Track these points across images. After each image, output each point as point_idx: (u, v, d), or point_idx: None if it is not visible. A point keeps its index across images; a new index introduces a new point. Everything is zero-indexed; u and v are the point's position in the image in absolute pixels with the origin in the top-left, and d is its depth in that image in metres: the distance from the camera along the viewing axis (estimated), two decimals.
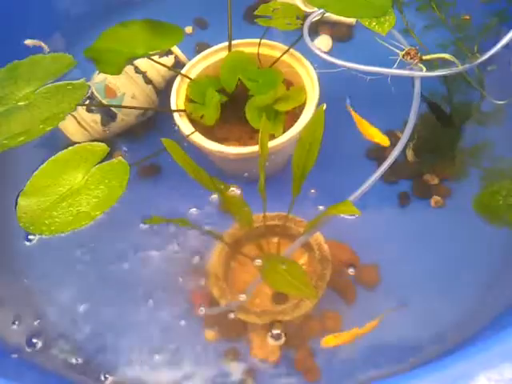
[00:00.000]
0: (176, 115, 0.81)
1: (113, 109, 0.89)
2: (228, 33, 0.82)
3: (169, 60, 0.91)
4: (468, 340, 0.59)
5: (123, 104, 0.88)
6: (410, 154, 0.86)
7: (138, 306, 0.77)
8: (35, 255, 0.81)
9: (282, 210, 0.76)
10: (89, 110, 0.88)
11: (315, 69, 0.83)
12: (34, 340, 0.74)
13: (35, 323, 0.76)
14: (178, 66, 0.90)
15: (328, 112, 0.68)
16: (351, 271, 0.78)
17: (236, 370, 0.72)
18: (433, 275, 0.77)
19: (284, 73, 0.83)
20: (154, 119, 0.93)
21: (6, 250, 0.83)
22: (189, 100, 0.83)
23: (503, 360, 0.48)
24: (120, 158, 0.69)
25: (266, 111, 0.77)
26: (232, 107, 0.81)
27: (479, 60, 0.76)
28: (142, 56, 0.78)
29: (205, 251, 0.79)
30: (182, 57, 0.92)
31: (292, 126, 0.79)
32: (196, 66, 0.86)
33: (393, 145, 0.75)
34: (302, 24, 0.81)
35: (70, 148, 0.71)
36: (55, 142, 0.87)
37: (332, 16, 0.97)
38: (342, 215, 0.77)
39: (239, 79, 0.81)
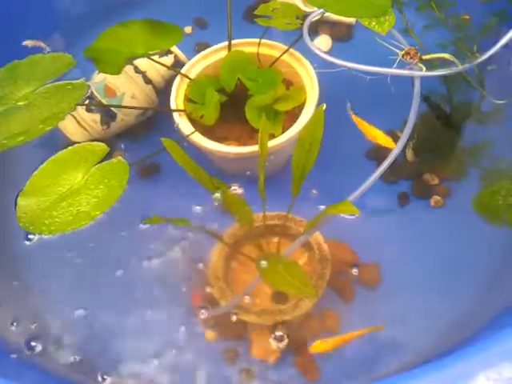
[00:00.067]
0: (176, 115, 0.81)
1: (112, 108, 0.89)
2: (228, 32, 0.82)
3: (168, 60, 0.91)
4: (467, 340, 0.59)
5: (123, 104, 0.88)
6: (409, 154, 0.86)
7: (137, 305, 0.77)
8: (35, 255, 0.81)
9: (282, 210, 0.77)
10: (88, 110, 0.88)
11: (315, 68, 0.83)
12: (33, 343, 0.74)
13: (34, 325, 0.76)
14: (177, 65, 0.90)
15: (328, 112, 0.68)
16: (355, 271, 0.78)
17: (236, 369, 0.72)
18: (432, 275, 0.77)
19: (284, 72, 0.83)
20: (154, 119, 0.93)
21: (5, 250, 0.83)
22: (188, 100, 0.83)
23: (502, 359, 0.48)
24: (120, 157, 0.69)
25: (266, 111, 0.77)
26: (232, 107, 0.81)
27: (479, 60, 0.76)
28: (142, 56, 0.78)
29: (204, 251, 0.79)
30: (182, 56, 0.92)
31: (292, 125, 0.79)
32: (196, 66, 0.86)
33: None
34: (302, 24, 0.81)
35: (70, 148, 0.71)
36: (55, 141, 0.87)
37: (332, 16, 0.97)
38: (341, 215, 0.77)
39: (239, 79, 0.81)
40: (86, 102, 0.88)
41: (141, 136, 0.92)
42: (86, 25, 0.95)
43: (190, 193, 0.82)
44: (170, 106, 0.82)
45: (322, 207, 0.79)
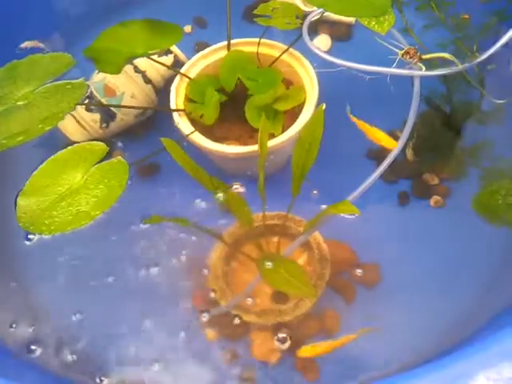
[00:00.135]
0: (175, 114, 0.81)
1: (112, 108, 0.89)
2: (227, 32, 0.82)
3: (168, 59, 0.91)
4: (467, 340, 0.59)
5: (122, 103, 0.88)
6: (409, 154, 0.86)
7: (137, 305, 0.77)
8: (35, 255, 0.81)
9: (282, 210, 0.77)
10: (88, 110, 0.88)
11: (314, 68, 0.83)
12: (33, 347, 0.73)
13: (33, 327, 0.76)
14: (177, 65, 0.90)
15: (327, 111, 0.68)
16: (359, 272, 0.77)
17: (236, 369, 0.72)
18: (432, 275, 0.77)
19: (283, 72, 0.83)
20: (154, 118, 0.93)
21: (5, 250, 0.83)
22: (188, 99, 0.83)
23: (502, 359, 0.48)
24: (119, 157, 0.69)
25: (266, 110, 0.77)
26: (231, 106, 0.81)
27: (479, 59, 0.76)
28: (142, 55, 0.77)
29: (204, 250, 0.79)
30: (182, 56, 0.92)
31: (291, 125, 0.79)
32: (195, 66, 0.86)
33: None
34: (302, 23, 0.81)
35: (70, 147, 0.71)
36: (54, 141, 0.87)
37: (331, 15, 0.97)
38: (341, 214, 0.77)
39: (238, 78, 0.81)
40: (86, 101, 0.88)
41: (140, 136, 0.92)
42: (85, 24, 0.95)
43: (190, 192, 0.82)
44: (169, 105, 0.82)
45: (322, 207, 0.79)
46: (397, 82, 0.77)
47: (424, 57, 0.77)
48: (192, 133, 0.79)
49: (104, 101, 0.88)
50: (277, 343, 0.72)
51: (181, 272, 0.79)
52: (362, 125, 0.80)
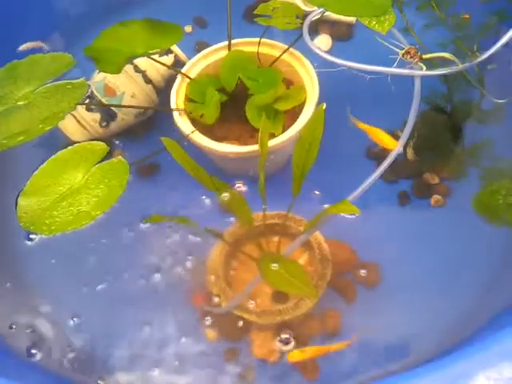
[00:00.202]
0: (176, 114, 0.81)
1: (112, 108, 0.89)
2: (228, 32, 0.82)
3: (168, 59, 0.91)
4: (467, 339, 0.59)
5: (123, 103, 0.88)
6: (410, 153, 0.86)
7: (138, 305, 0.77)
8: (36, 255, 0.81)
9: (283, 209, 0.76)
10: (88, 109, 0.88)
11: (315, 68, 0.83)
12: (34, 351, 0.73)
13: (34, 327, 0.76)
14: (177, 65, 0.90)
15: (328, 111, 0.68)
16: (363, 272, 0.77)
17: (236, 369, 0.72)
18: (432, 274, 0.77)
19: (284, 72, 0.83)
20: (154, 118, 0.93)
21: (6, 250, 0.83)
22: (189, 99, 0.83)
23: (502, 359, 0.48)
24: (120, 157, 0.69)
25: (266, 110, 0.77)
26: (232, 106, 0.81)
27: (479, 59, 0.76)
28: (142, 55, 0.77)
29: (205, 250, 0.79)
30: (182, 56, 0.92)
31: (292, 125, 0.79)
32: (196, 65, 0.86)
33: None
34: (302, 23, 0.81)
35: (70, 147, 0.71)
36: (55, 141, 0.87)
37: (332, 15, 0.97)
38: (342, 214, 0.77)
39: (239, 78, 0.81)
40: (86, 101, 0.88)
41: (141, 135, 0.92)
42: (85, 24, 0.95)
43: (190, 192, 0.82)
44: (170, 105, 0.82)
45: (323, 206, 0.79)
46: (397, 81, 0.77)
47: (424, 56, 0.77)
48: (192, 132, 0.79)
49: (104, 100, 0.88)
50: (279, 344, 0.72)
51: (181, 271, 0.79)
52: (365, 127, 0.80)
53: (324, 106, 0.68)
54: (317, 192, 0.83)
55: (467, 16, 0.90)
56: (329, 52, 0.93)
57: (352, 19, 1.01)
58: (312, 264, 0.77)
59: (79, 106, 0.87)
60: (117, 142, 0.90)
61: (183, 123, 0.80)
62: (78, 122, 0.88)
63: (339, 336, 0.74)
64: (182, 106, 0.82)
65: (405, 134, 0.73)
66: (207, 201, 0.83)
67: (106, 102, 0.88)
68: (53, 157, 0.70)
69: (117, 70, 0.74)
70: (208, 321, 0.75)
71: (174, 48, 0.91)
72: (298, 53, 0.84)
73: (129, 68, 0.89)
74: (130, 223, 0.82)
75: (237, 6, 0.88)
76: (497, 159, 0.83)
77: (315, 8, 0.85)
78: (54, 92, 0.72)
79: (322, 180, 0.80)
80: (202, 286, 0.77)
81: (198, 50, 0.89)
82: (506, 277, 0.76)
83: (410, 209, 0.84)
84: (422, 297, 0.76)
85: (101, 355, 0.74)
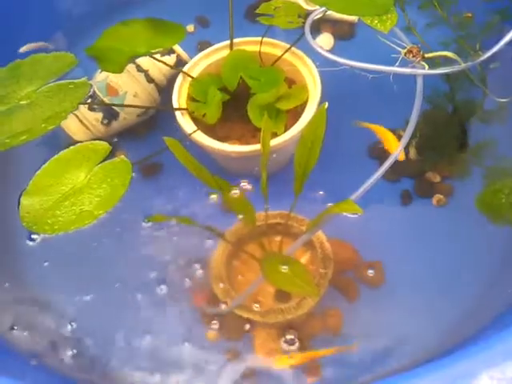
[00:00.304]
0: (178, 114, 0.81)
1: (115, 107, 0.89)
2: (230, 31, 0.82)
3: (171, 58, 0.91)
4: (470, 339, 0.59)
5: (125, 102, 0.88)
6: (412, 152, 0.86)
7: (138, 305, 0.77)
8: (38, 255, 0.81)
9: (285, 209, 0.76)
10: (91, 109, 0.88)
11: (317, 67, 0.83)
12: (34, 351, 0.73)
13: (35, 327, 0.76)
14: (179, 64, 0.90)
15: (330, 110, 0.68)
16: (370, 272, 0.77)
17: (237, 369, 0.72)
18: (435, 274, 0.77)
19: (286, 71, 0.83)
20: (156, 118, 0.93)
21: (8, 250, 0.83)
22: (191, 98, 0.83)
23: (505, 358, 0.48)
24: (122, 156, 0.69)
25: (268, 109, 0.77)
26: (234, 105, 0.81)
27: (482, 58, 0.76)
28: (144, 54, 0.78)
29: (207, 249, 0.79)
30: (184, 55, 0.92)
31: (294, 124, 0.79)
32: (198, 65, 0.86)
33: None
34: (304, 22, 0.81)
35: (72, 147, 0.71)
36: (57, 140, 0.87)
37: (334, 14, 0.96)
38: (344, 214, 0.77)
39: (241, 77, 0.81)
40: (89, 100, 0.88)
41: (143, 135, 0.92)
42: (87, 24, 0.95)
43: (193, 191, 0.82)
44: (172, 104, 0.82)
45: (325, 206, 0.79)
46: (399, 80, 0.77)
47: (427, 55, 0.77)
48: (194, 132, 0.79)
49: (107, 100, 0.88)
50: (284, 345, 0.72)
51: (183, 271, 0.79)
52: (373, 127, 0.80)
53: (326, 105, 0.68)
54: (319, 191, 0.83)
55: (470, 15, 0.89)
56: (331, 51, 0.93)
57: (354, 18, 1.01)
58: (314, 263, 0.77)
59: (81, 106, 0.87)
60: (119, 142, 0.90)
61: (185, 123, 0.80)
62: (81, 121, 0.88)
63: (340, 335, 0.74)
64: (184, 105, 0.82)
65: (407, 134, 0.73)
66: (209, 200, 0.83)
67: (109, 102, 0.88)
68: (55, 156, 0.70)
69: (119, 70, 0.74)
70: (209, 320, 0.75)
71: (176, 47, 0.91)
72: (300, 52, 0.84)
73: (131, 67, 0.89)
74: (132, 222, 0.82)
75: (239, 6, 0.88)
76: (500, 158, 0.83)
77: (317, 7, 0.84)
78: (56, 91, 0.72)
79: (325, 179, 0.80)
80: (203, 285, 0.77)
81: (200, 50, 0.89)
82: (508, 276, 0.76)
83: (412, 208, 0.83)
84: (423, 296, 0.75)
85: (101, 355, 0.74)
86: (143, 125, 0.92)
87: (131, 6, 1.02)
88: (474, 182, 0.82)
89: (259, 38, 0.84)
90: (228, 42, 0.84)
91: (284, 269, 0.68)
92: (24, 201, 0.66)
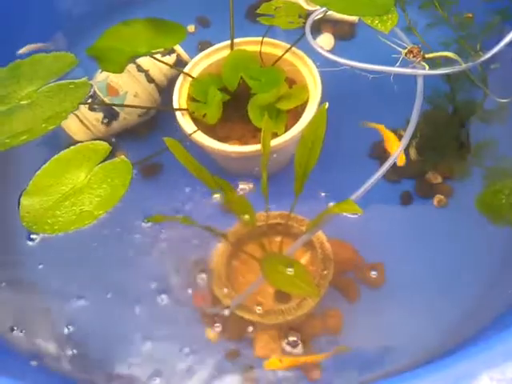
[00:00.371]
0: (178, 114, 0.81)
1: (115, 107, 0.89)
2: (230, 31, 0.82)
3: (171, 58, 0.91)
4: (470, 339, 0.59)
5: (125, 103, 0.88)
6: (412, 153, 0.86)
7: (139, 305, 0.77)
8: (37, 255, 0.81)
9: (285, 209, 0.76)
10: (91, 109, 0.88)
11: (317, 67, 0.83)
12: (34, 350, 0.73)
13: (35, 328, 0.76)
14: (180, 64, 0.90)
15: (330, 110, 0.68)
16: (373, 274, 0.77)
17: (238, 368, 0.72)
18: (435, 274, 0.77)
19: (286, 71, 0.83)
20: (157, 118, 0.93)
21: (8, 250, 0.83)
22: (191, 98, 0.83)
23: (506, 359, 0.48)
24: (122, 156, 0.69)
25: (268, 110, 0.77)
26: (234, 106, 0.81)
27: (482, 58, 0.76)
28: (145, 54, 0.78)
29: (207, 250, 0.79)
30: (185, 55, 0.92)
31: (294, 124, 0.79)
32: (198, 65, 0.86)
33: None
34: (305, 22, 0.81)
35: (73, 147, 0.71)
36: (58, 140, 0.87)
37: (334, 14, 0.96)
38: (344, 214, 0.77)
39: (241, 78, 0.81)
40: (89, 100, 0.88)
41: (143, 135, 0.92)
42: (88, 24, 0.95)
43: (193, 192, 0.82)
44: (172, 104, 0.82)
45: (325, 206, 0.79)
46: (400, 80, 0.77)
47: (427, 56, 0.77)
48: (195, 132, 0.79)
49: (107, 100, 0.88)
50: (287, 347, 0.72)
51: (183, 271, 0.79)
52: (380, 127, 0.80)
53: (326, 105, 0.68)
54: (319, 191, 0.83)
55: (470, 15, 0.89)
56: (331, 51, 0.93)
57: (354, 18, 1.01)
58: (314, 264, 0.77)
59: (82, 106, 0.87)
60: (119, 142, 0.90)
61: (186, 123, 0.80)
62: (81, 121, 0.88)
63: (341, 335, 0.74)
64: (184, 105, 0.82)
65: (407, 134, 0.73)
66: (210, 200, 0.83)
67: (109, 102, 0.88)
68: (55, 156, 0.70)
69: (119, 70, 0.74)
70: (209, 321, 0.75)
71: (177, 47, 0.91)
72: (300, 52, 0.84)
73: (131, 67, 0.89)
74: (132, 223, 0.82)
75: (239, 6, 0.88)
76: (500, 159, 0.83)
77: (318, 7, 0.84)
78: (56, 91, 0.72)
79: (325, 179, 0.80)
80: (203, 285, 0.77)
81: (201, 50, 0.89)
82: (508, 276, 0.76)
83: (413, 209, 0.83)
84: (423, 296, 0.75)
85: (101, 355, 0.75)
86: (143, 125, 0.92)
87: (132, 6, 1.02)
88: (475, 183, 0.82)
89: (260, 38, 0.84)
90: (228, 42, 0.84)
91: (289, 271, 0.68)
92: (24, 201, 0.66)
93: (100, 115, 0.89)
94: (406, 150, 0.85)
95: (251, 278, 0.77)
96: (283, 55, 0.84)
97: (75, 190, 0.67)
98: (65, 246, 0.79)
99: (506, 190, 0.79)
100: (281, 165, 0.85)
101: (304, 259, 0.78)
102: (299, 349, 0.72)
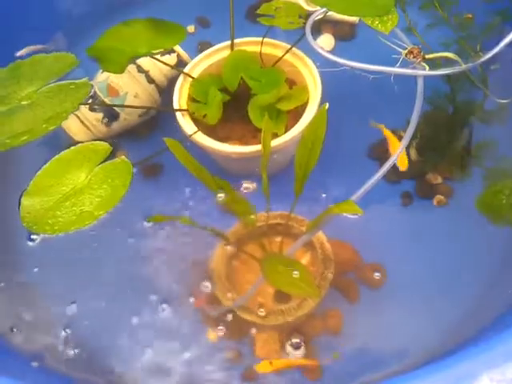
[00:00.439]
0: (178, 114, 0.81)
1: (115, 108, 0.89)
2: (230, 32, 0.82)
3: (171, 59, 0.91)
4: (470, 340, 0.58)
5: (126, 103, 0.88)
6: (412, 153, 0.86)
7: (139, 306, 0.77)
8: (38, 255, 0.81)
9: (285, 209, 0.76)
10: (92, 109, 0.88)
11: (318, 68, 0.83)
12: (34, 350, 0.73)
13: (35, 328, 0.76)
14: (180, 64, 0.90)
15: (330, 111, 0.68)
16: (377, 275, 0.77)
17: (239, 369, 0.72)
18: (435, 274, 0.77)
19: (286, 72, 0.83)
20: (157, 118, 0.93)
21: (8, 250, 0.83)
22: (191, 99, 0.83)
23: (506, 360, 0.48)
24: (123, 157, 0.69)
25: (269, 110, 0.77)
26: (234, 106, 0.81)
27: (482, 59, 0.76)
28: (145, 55, 0.78)
29: (207, 250, 0.79)
30: (185, 56, 0.92)
31: (294, 125, 0.79)
32: (198, 65, 0.86)
33: None
34: (305, 23, 0.81)
35: (73, 147, 0.71)
36: (58, 141, 0.87)
37: (334, 15, 0.96)
38: (344, 214, 0.77)
39: (242, 78, 0.81)
40: (89, 101, 0.88)
41: (144, 135, 0.92)
42: (88, 24, 0.95)
43: (193, 192, 0.82)
44: (172, 105, 0.82)
45: (325, 206, 0.79)
46: (400, 81, 0.77)
47: (427, 56, 0.77)
48: (195, 133, 0.79)
49: (107, 100, 0.88)
50: (290, 348, 0.72)
51: (183, 271, 0.79)
52: (388, 134, 0.80)
53: (327, 105, 0.68)
54: (319, 192, 0.83)
55: (470, 16, 0.89)
56: (331, 52, 0.92)
57: (355, 19, 1.01)
58: (314, 264, 0.77)
59: (82, 106, 0.87)
60: (120, 142, 0.90)
61: (186, 123, 0.80)
62: (82, 122, 0.88)
63: (341, 335, 0.74)
64: (184, 105, 0.82)
65: (408, 134, 0.73)
66: (210, 201, 0.83)
67: (109, 102, 0.88)
68: (56, 157, 0.70)
69: (120, 70, 0.74)
70: (210, 321, 0.75)
71: (177, 48, 0.91)
72: (300, 53, 0.84)
73: (132, 68, 0.89)
74: (132, 223, 0.82)
75: (239, 6, 0.88)
76: (500, 159, 0.83)
77: (318, 8, 0.85)
78: (57, 92, 0.72)
79: (325, 180, 0.80)
80: (203, 286, 0.77)
81: (201, 50, 0.89)
82: (508, 276, 0.76)
83: (413, 209, 0.83)
84: (423, 296, 0.75)
85: (102, 355, 0.75)
86: (144, 125, 0.92)
87: (132, 6, 1.02)
88: (475, 183, 0.82)
89: (260, 39, 0.84)
90: (229, 42, 0.84)
91: (295, 274, 0.68)
92: (24, 201, 0.66)
93: (100, 116, 0.89)
94: (407, 151, 0.85)
95: (251, 278, 0.77)
96: (283, 56, 0.84)
97: (76, 191, 0.67)
98: (65, 247, 0.79)
99: (506, 191, 0.79)
100: (281, 165, 0.85)
101: (304, 260, 0.78)
102: (301, 350, 0.72)
